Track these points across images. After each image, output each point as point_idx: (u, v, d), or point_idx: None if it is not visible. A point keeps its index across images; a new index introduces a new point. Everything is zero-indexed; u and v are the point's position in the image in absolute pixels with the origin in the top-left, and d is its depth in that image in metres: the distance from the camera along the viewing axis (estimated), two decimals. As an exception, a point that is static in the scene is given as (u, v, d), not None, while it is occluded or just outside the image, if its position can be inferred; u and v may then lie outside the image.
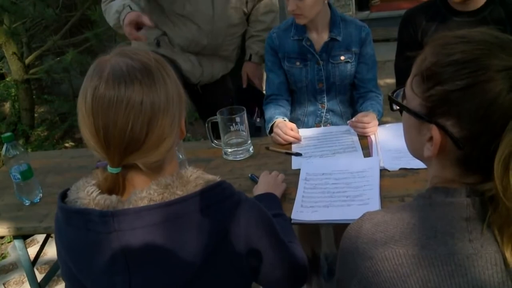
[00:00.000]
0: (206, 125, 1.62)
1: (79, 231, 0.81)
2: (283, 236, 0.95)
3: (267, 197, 1.23)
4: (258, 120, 2.04)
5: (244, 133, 1.60)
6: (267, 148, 1.63)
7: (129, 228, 0.78)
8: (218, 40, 2.09)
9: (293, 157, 1.56)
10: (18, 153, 1.49)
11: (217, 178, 0.86)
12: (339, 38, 1.77)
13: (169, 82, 0.81)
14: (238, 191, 0.88)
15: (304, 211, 1.27)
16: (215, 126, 1.61)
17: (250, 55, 2.16)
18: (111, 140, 0.77)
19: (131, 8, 1.81)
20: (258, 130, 2.02)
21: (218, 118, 1.57)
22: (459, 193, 0.74)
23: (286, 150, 1.60)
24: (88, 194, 0.81)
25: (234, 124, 1.58)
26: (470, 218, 0.72)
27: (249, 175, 1.45)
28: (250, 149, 1.62)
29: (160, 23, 2.04)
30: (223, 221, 0.83)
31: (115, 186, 0.81)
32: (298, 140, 1.65)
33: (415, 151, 0.82)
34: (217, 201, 0.83)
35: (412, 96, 0.77)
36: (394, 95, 0.82)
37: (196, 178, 0.84)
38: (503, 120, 0.69)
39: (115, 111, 0.75)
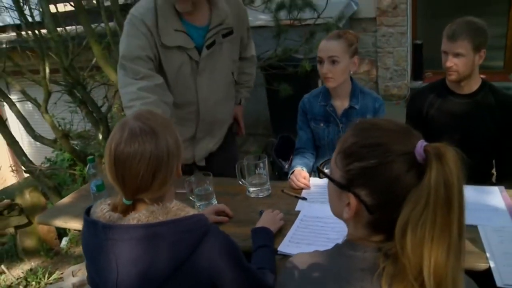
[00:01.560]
0: (236, 166, 2.04)
1: (91, 236, 1.12)
2: (247, 263, 1.21)
3: (261, 230, 1.58)
4: (286, 167, 2.43)
5: (265, 176, 1.99)
6: (282, 191, 2.02)
7: (119, 239, 1.06)
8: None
9: (299, 200, 1.93)
10: (96, 171, 2.01)
11: (196, 212, 1.14)
12: (357, 107, 2.12)
13: (170, 140, 1.10)
14: (212, 224, 1.15)
15: (290, 245, 1.58)
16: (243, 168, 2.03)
17: (240, 100, 2.48)
18: (127, 184, 1.08)
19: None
20: (286, 174, 2.41)
21: (245, 162, 1.99)
22: (362, 248, 0.90)
23: (296, 194, 1.95)
24: (101, 210, 1.12)
25: (258, 168, 1.98)
26: (365, 269, 0.87)
27: (260, 210, 1.84)
28: (269, 189, 2.01)
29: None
30: (190, 246, 1.07)
31: (124, 209, 1.12)
32: (308, 187, 1.99)
33: (336, 213, 0.99)
34: (188, 230, 1.08)
35: (336, 169, 0.93)
36: (323, 166, 1.14)
37: (177, 209, 1.11)
38: (404, 194, 0.83)
39: (130, 164, 1.06)
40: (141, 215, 1.08)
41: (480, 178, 2.00)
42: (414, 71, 5.02)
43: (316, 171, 2.21)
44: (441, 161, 0.82)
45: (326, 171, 1.01)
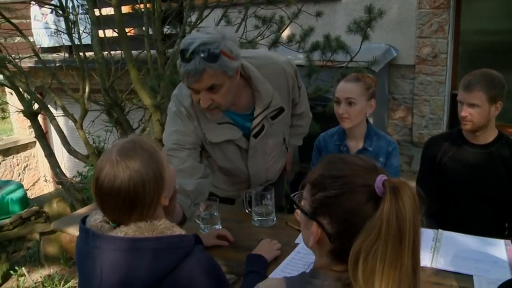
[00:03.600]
0: (244, 195, 2.09)
1: (83, 242, 1.19)
2: (230, 287, 1.26)
3: (254, 257, 1.62)
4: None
5: (271, 207, 2.03)
6: (286, 223, 2.04)
7: (105, 248, 1.12)
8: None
9: (301, 234, 1.95)
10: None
11: (183, 232, 1.16)
12: (370, 149, 2.14)
13: (149, 174, 1.13)
14: (198, 246, 1.17)
15: (282, 274, 1.61)
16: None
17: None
18: (107, 214, 1.18)
19: None
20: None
21: (252, 193, 2.04)
22: (322, 277, 0.94)
23: (299, 228, 1.97)
24: (95, 220, 1.20)
25: (265, 199, 2.03)
26: None
27: (260, 239, 1.87)
28: (274, 220, 2.05)
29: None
30: (172, 262, 1.11)
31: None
32: (311, 222, 2.03)
33: (305, 241, 1.03)
34: (172, 247, 1.12)
35: (304, 199, 1.00)
36: (295, 197, 1.09)
37: (164, 227, 1.15)
38: (361, 223, 0.87)
39: (108, 199, 1.13)
40: (128, 229, 1.14)
41: (493, 230, 1.96)
42: (451, 121, 4.96)
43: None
44: (396, 195, 0.86)
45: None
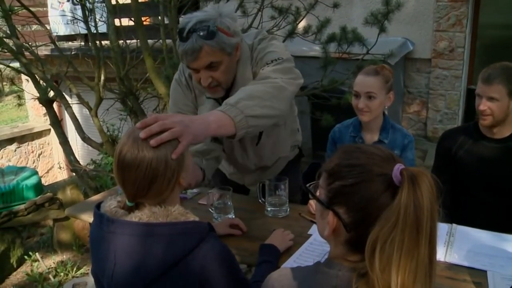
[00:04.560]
0: (258, 185, 2.09)
1: (96, 228, 1.19)
2: (243, 275, 1.24)
3: (267, 246, 1.62)
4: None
5: (284, 198, 2.02)
6: (299, 214, 2.04)
7: (120, 233, 1.13)
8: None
9: (314, 225, 1.94)
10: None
11: (197, 219, 1.17)
12: (386, 141, 2.12)
13: (169, 156, 1.14)
14: (212, 233, 1.17)
15: (293, 265, 1.61)
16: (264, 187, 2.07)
17: None
18: (126, 188, 1.16)
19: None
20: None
21: (266, 182, 2.04)
22: (338, 266, 0.93)
23: (311, 219, 1.97)
24: (109, 206, 1.20)
25: (278, 190, 2.03)
26: (337, 286, 0.91)
27: (273, 229, 1.87)
28: (287, 211, 2.04)
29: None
30: (185, 249, 1.11)
31: (128, 208, 1.19)
32: (325, 213, 2.02)
33: (320, 231, 1.02)
34: (185, 233, 1.12)
35: (320, 188, 0.99)
36: (310, 186, 1.08)
37: (178, 213, 1.15)
38: (377, 213, 0.86)
39: (129, 170, 1.13)
40: (143, 214, 1.15)
41: (507, 225, 1.93)
42: (466, 116, 4.90)
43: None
44: (413, 184, 0.85)
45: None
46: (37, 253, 3.90)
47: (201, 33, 1.58)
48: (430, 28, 4.67)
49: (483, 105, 1.95)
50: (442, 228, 1.77)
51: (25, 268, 3.82)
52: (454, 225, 1.80)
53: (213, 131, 1.36)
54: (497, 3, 4.69)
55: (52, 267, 3.72)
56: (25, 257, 3.90)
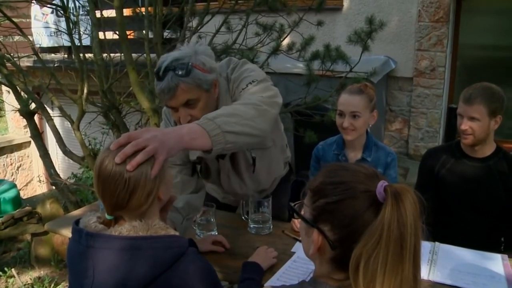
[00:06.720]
0: (241, 202, 2.08)
1: (75, 242, 1.16)
2: None
3: (250, 264, 1.61)
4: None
5: (267, 215, 2.01)
6: (283, 231, 2.03)
7: (99, 247, 1.10)
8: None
9: (297, 242, 1.93)
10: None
11: (177, 234, 1.14)
12: (369, 159, 2.13)
13: (149, 170, 1.13)
14: (192, 248, 1.15)
15: (277, 283, 1.60)
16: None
17: None
18: (105, 200, 1.14)
19: None
20: (292, 217, 2.41)
21: (250, 199, 2.02)
22: (322, 285, 0.94)
23: (295, 236, 1.96)
24: (89, 221, 1.17)
25: (262, 207, 2.02)
26: None
27: (256, 247, 1.86)
28: (270, 228, 2.03)
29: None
30: (165, 263, 1.09)
31: (108, 223, 1.17)
32: (308, 231, 2.02)
33: (306, 250, 1.01)
34: (166, 247, 1.10)
35: (305, 207, 0.99)
36: (295, 206, 1.07)
37: (158, 227, 1.14)
38: (362, 230, 0.86)
39: (109, 182, 1.11)
40: (122, 229, 1.13)
41: (488, 244, 1.96)
42: (447, 135, 4.97)
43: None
44: (397, 200, 0.86)
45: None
46: (13, 269, 3.79)
47: (177, 71, 1.58)
48: (412, 47, 4.76)
49: (465, 125, 1.98)
50: (425, 246, 1.78)
51: (0, 284, 3.71)
52: (436, 243, 1.81)
53: (186, 143, 1.31)
54: (477, 24, 4.81)
55: (28, 283, 3.62)
56: (0, 273, 3.78)
